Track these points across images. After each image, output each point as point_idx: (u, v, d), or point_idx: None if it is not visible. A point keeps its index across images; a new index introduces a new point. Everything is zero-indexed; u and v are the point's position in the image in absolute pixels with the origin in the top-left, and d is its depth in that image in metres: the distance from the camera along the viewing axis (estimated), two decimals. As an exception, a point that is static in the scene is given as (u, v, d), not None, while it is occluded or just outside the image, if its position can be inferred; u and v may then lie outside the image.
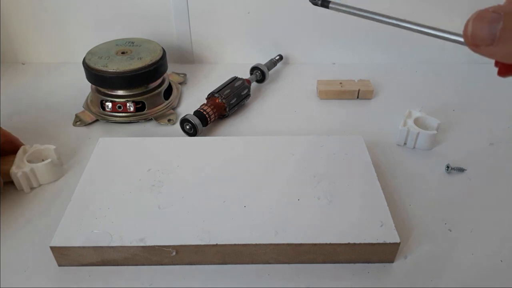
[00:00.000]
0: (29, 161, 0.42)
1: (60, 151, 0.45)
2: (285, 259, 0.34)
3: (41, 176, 0.42)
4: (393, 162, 0.46)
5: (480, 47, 0.21)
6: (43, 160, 0.42)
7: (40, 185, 0.42)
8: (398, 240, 0.33)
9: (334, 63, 0.67)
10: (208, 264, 0.34)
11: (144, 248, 0.33)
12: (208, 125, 0.50)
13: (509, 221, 0.39)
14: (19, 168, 0.40)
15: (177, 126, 0.51)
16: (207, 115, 0.49)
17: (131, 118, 0.52)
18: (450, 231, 0.38)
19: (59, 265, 0.34)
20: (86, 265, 0.34)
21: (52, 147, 0.43)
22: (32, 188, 0.42)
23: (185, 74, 0.62)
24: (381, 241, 0.33)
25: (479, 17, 0.21)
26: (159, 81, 0.54)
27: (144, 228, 0.34)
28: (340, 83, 0.58)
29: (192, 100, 0.56)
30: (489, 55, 0.21)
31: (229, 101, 0.51)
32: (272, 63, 0.62)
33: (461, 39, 0.23)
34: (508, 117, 0.53)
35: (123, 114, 0.52)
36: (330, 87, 0.57)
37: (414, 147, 0.47)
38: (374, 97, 0.58)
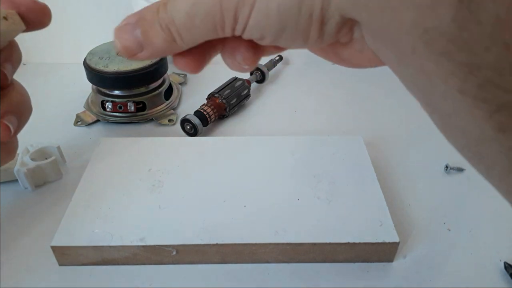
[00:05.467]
0: (32, 160, 0.42)
1: (62, 150, 0.45)
2: (285, 258, 0.34)
3: (45, 174, 0.42)
4: (393, 162, 0.46)
5: (137, 55, 0.22)
6: (46, 159, 0.42)
7: (44, 183, 0.42)
8: (397, 240, 0.33)
9: (333, 64, 0.67)
10: (208, 263, 0.34)
11: (145, 247, 0.33)
12: (208, 125, 0.51)
13: (508, 221, 0.39)
14: (24, 166, 0.40)
15: (177, 126, 0.51)
16: (207, 115, 0.49)
17: (131, 118, 0.52)
18: (449, 230, 0.38)
19: (60, 265, 0.34)
20: (86, 264, 0.34)
21: (55, 145, 0.43)
22: (36, 186, 0.42)
23: (185, 75, 0.63)
24: (380, 241, 0.33)
25: (119, 31, 0.22)
26: (159, 81, 0.54)
27: (145, 228, 0.34)
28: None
29: (192, 101, 0.57)
30: (149, 58, 0.23)
31: (229, 102, 0.52)
32: (272, 64, 0.62)
33: None
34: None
35: (124, 114, 0.52)
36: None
37: (412, 147, 0.48)
38: (374, 97, 0.58)
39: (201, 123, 0.49)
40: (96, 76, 0.50)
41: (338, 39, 0.20)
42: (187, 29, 0.20)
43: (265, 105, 0.57)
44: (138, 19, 0.21)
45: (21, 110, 0.28)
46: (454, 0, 0.15)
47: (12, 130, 0.27)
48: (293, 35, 0.19)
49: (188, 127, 0.49)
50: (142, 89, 0.52)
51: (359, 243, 0.33)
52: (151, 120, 0.53)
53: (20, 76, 0.28)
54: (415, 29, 0.16)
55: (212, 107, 0.50)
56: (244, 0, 0.18)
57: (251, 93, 0.56)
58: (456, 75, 0.16)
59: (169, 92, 0.56)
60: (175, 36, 0.21)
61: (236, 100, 0.53)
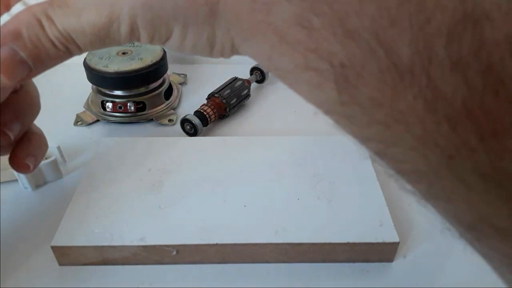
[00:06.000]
0: None
1: (62, 150, 0.45)
2: (284, 258, 0.34)
3: (45, 174, 0.42)
4: (393, 162, 0.46)
5: (26, 78, 0.20)
6: (46, 159, 0.42)
7: (44, 183, 0.42)
8: (397, 240, 0.33)
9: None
10: (208, 263, 0.34)
11: (145, 247, 0.33)
12: (208, 125, 0.51)
13: (508, 221, 0.39)
14: None
15: (177, 126, 0.51)
16: (207, 115, 0.49)
17: (131, 118, 0.52)
18: (450, 230, 0.38)
19: (60, 265, 0.34)
20: (87, 264, 0.34)
21: (56, 145, 0.43)
22: (36, 186, 0.42)
23: (185, 75, 0.63)
24: (380, 241, 0.33)
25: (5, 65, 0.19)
26: (159, 81, 0.54)
27: (145, 228, 0.34)
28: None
29: (192, 101, 0.57)
30: (38, 74, 0.20)
31: (229, 102, 0.52)
32: (272, 64, 0.62)
33: None
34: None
35: (124, 114, 0.52)
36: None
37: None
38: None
39: (201, 123, 0.49)
40: (96, 76, 0.50)
41: None
42: (92, 46, 0.20)
43: (265, 105, 0.57)
44: (15, 38, 0.19)
45: (26, 115, 0.27)
46: (333, 85, 0.16)
47: (12, 137, 0.26)
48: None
49: (188, 127, 0.49)
50: (142, 89, 0.52)
51: (359, 243, 0.33)
52: (151, 120, 0.53)
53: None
54: (312, 100, 0.18)
55: (212, 107, 0.50)
56: (160, 33, 0.19)
57: (251, 93, 0.56)
58: (356, 142, 0.18)
59: (169, 92, 0.56)
60: (72, 50, 0.20)
61: (236, 100, 0.53)
